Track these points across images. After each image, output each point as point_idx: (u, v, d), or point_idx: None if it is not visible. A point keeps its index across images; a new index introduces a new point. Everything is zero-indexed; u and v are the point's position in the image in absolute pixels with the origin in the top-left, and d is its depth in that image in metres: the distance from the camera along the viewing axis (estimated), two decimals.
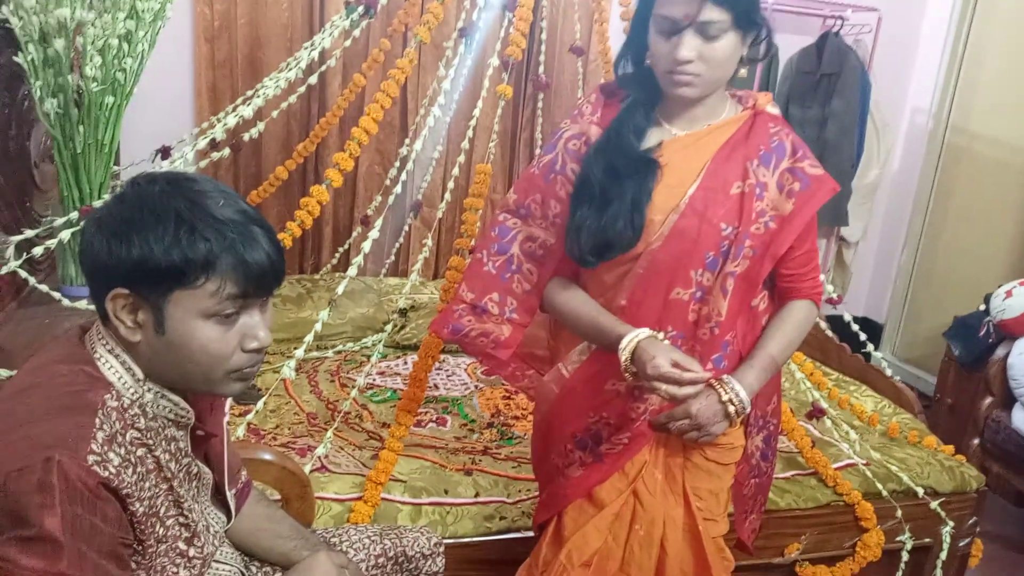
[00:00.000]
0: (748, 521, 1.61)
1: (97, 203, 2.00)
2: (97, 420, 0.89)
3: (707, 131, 1.35)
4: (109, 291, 0.93)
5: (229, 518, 1.19)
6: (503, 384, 2.77)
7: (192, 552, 1.02)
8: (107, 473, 0.87)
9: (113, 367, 0.96)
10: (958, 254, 4.01)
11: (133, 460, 0.92)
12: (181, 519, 1.00)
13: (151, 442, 0.96)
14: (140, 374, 0.97)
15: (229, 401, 2.44)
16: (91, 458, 0.86)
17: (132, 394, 0.96)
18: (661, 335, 1.31)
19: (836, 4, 3.74)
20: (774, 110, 1.39)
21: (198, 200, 0.93)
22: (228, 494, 1.18)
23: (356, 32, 2.40)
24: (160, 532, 0.97)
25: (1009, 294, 2.93)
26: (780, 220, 1.33)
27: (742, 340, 1.41)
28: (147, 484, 0.94)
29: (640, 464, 1.43)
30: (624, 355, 1.29)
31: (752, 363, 1.37)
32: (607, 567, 1.43)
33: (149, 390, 0.97)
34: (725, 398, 1.32)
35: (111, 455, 0.88)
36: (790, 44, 3.87)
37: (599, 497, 1.44)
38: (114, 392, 0.94)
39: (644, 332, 1.29)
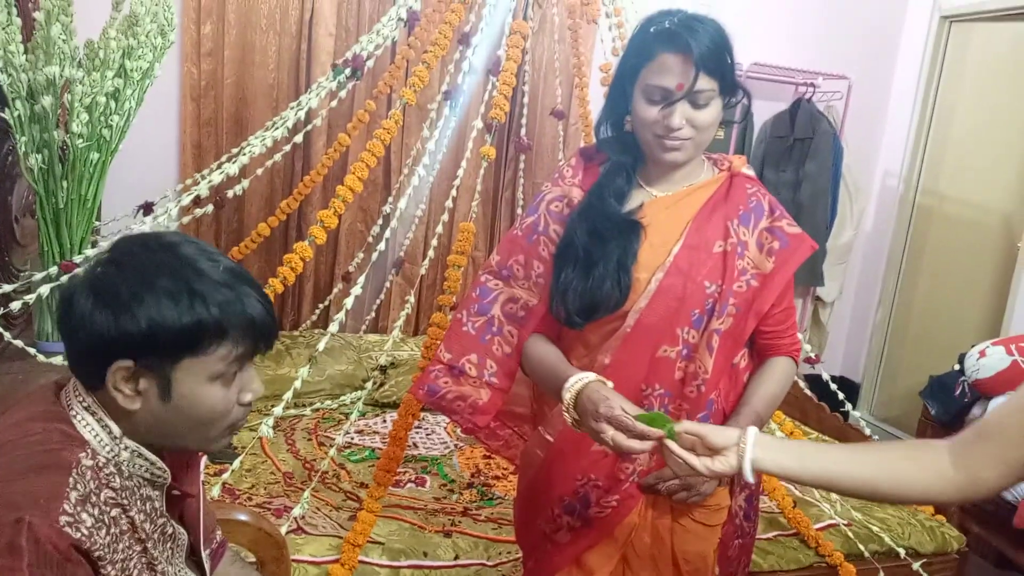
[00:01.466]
0: None
1: (79, 260, 1.99)
2: (71, 479, 0.87)
3: (687, 191, 1.38)
4: (110, 363, 0.90)
5: None
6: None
7: None
8: (79, 535, 0.84)
9: (89, 425, 0.94)
10: (932, 314, 4.08)
11: (107, 521, 0.89)
12: None
13: (126, 502, 0.93)
14: (117, 432, 0.94)
15: (204, 460, 2.40)
16: (63, 519, 0.83)
17: (108, 452, 0.93)
18: (611, 384, 1.27)
19: (808, 72, 3.87)
20: (749, 171, 1.43)
21: (194, 264, 0.92)
22: (203, 555, 1.15)
23: (342, 93, 2.44)
24: None
25: (983, 354, 2.98)
26: (762, 278, 1.35)
27: (725, 399, 1.41)
28: (120, 546, 0.91)
29: (629, 528, 1.40)
30: (568, 395, 1.25)
31: (738, 421, 1.37)
32: None
33: (125, 448, 0.95)
34: None
35: (84, 516, 0.86)
36: (764, 110, 3.99)
37: (588, 564, 1.40)
38: (89, 451, 0.91)
39: (592, 376, 1.27)
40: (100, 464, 0.91)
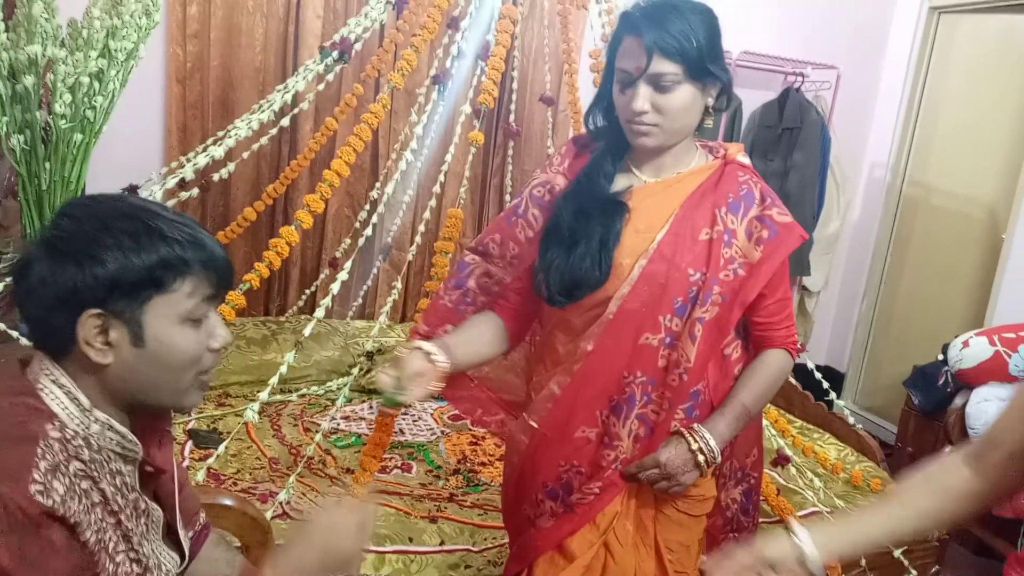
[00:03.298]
0: None
1: None
2: (39, 450, 0.86)
3: (677, 179, 1.38)
4: (79, 315, 0.90)
5: (182, 559, 1.15)
6: (470, 430, 2.75)
7: None
8: (51, 502, 0.84)
9: (57, 397, 0.93)
10: (916, 304, 4.11)
11: (78, 491, 0.88)
12: (132, 554, 0.97)
13: (96, 474, 0.92)
14: (86, 403, 0.94)
15: (189, 445, 2.39)
16: (33, 487, 0.83)
17: (77, 425, 0.93)
18: (442, 358, 1.31)
19: (797, 61, 3.87)
20: (744, 159, 1.42)
21: (146, 208, 0.95)
22: (182, 534, 1.13)
23: (329, 76, 2.42)
24: (110, 568, 0.93)
25: (966, 344, 3.00)
26: (749, 267, 1.35)
27: (714, 390, 1.41)
28: (93, 517, 0.90)
29: (612, 516, 1.40)
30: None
31: (723, 412, 1.37)
32: None
33: (95, 421, 0.94)
34: (695, 447, 1.32)
35: (55, 484, 0.85)
36: (753, 99, 3.99)
37: (570, 549, 1.41)
38: (57, 423, 0.91)
39: (426, 346, 1.32)
40: (68, 436, 0.91)
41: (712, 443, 1.33)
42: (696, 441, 1.33)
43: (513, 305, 1.45)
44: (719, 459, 1.35)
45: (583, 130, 1.48)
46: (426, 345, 1.32)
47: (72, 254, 0.90)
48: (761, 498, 2.28)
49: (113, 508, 0.94)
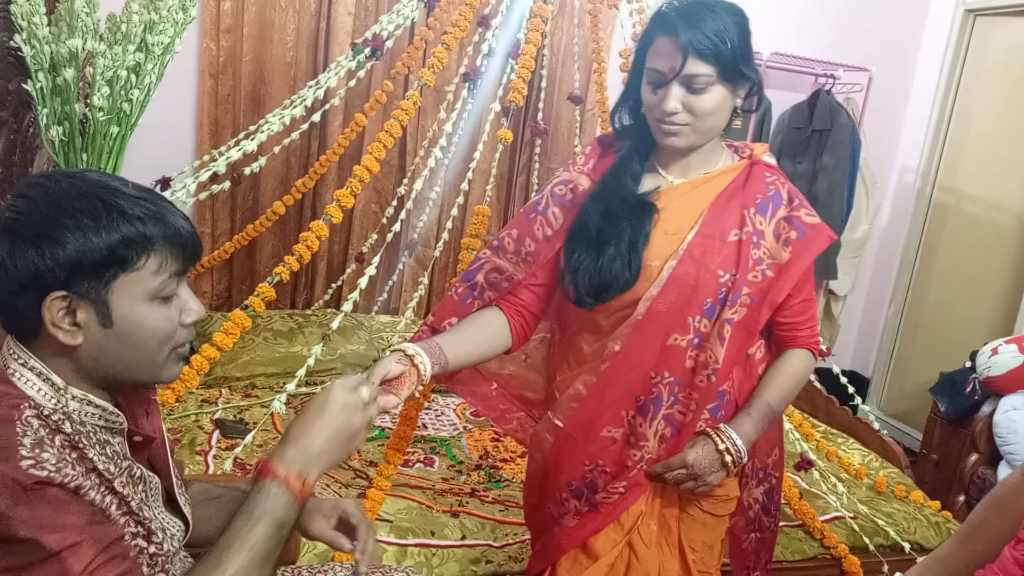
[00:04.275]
0: None
1: None
2: (18, 429, 0.85)
3: (704, 179, 1.37)
4: (44, 299, 0.88)
5: (187, 526, 1.12)
6: (492, 426, 2.76)
7: (152, 548, 0.97)
8: (45, 473, 0.84)
9: (29, 381, 0.92)
10: (944, 310, 4.06)
11: (69, 460, 0.87)
12: (134, 517, 0.95)
13: (82, 445, 0.91)
14: (60, 383, 0.92)
15: (216, 434, 2.43)
16: (25, 463, 0.82)
17: (53, 404, 0.91)
18: (427, 364, 1.27)
19: (828, 63, 3.84)
20: (770, 160, 1.41)
21: (106, 184, 0.92)
22: (181, 501, 1.11)
23: (361, 73, 2.44)
24: (117, 526, 0.93)
25: (995, 351, 2.96)
26: (777, 268, 1.34)
27: (738, 390, 1.41)
28: (88, 483, 0.89)
29: (636, 515, 1.40)
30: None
31: (749, 412, 1.37)
32: None
33: (73, 398, 0.93)
34: (722, 447, 1.33)
35: (44, 456, 0.85)
36: (782, 100, 3.96)
37: (594, 548, 1.41)
38: (31, 402, 0.89)
39: (409, 349, 1.27)
40: (45, 413, 0.89)
41: (739, 443, 1.33)
42: (723, 441, 1.33)
43: (523, 303, 1.43)
44: (746, 459, 1.36)
45: (610, 129, 1.47)
46: (410, 347, 1.28)
47: (30, 237, 0.87)
48: (783, 501, 2.29)
49: (106, 476, 0.93)
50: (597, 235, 1.34)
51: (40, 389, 0.92)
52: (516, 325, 1.43)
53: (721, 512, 1.44)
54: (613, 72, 2.74)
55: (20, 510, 0.81)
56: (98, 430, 0.96)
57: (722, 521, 1.46)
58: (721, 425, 1.35)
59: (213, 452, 2.28)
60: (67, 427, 0.90)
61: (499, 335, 1.42)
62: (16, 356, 0.93)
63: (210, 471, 2.15)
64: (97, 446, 0.94)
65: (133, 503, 0.96)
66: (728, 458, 1.33)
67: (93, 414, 0.95)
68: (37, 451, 0.84)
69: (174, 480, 1.10)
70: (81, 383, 0.94)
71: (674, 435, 1.36)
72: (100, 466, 0.92)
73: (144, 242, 0.90)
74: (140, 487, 1.00)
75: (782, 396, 1.40)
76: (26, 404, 0.88)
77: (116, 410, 0.97)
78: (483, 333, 1.41)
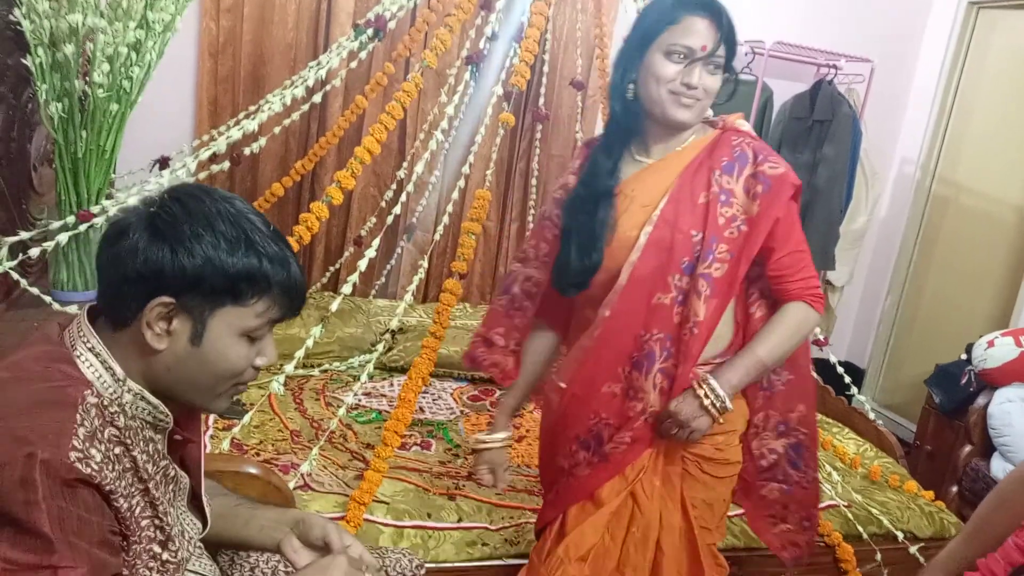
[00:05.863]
0: (779, 531, 1.63)
1: (96, 210, 2.00)
2: (78, 416, 0.87)
3: (675, 155, 1.48)
4: (153, 297, 0.92)
5: (205, 525, 1.17)
6: (488, 411, 2.77)
7: (166, 556, 0.99)
8: (89, 470, 0.85)
9: (92, 366, 0.94)
10: (941, 303, 4.07)
11: (112, 457, 0.90)
12: (156, 521, 0.98)
13: (129, 442, 0.94)
14: (120, 374, 0.95)
15: (213, 415, 2.43)
16: (73, 455, 0.84)
17: (111, 394, 0.94)
18: (507, 434, 1.68)
19: (830, 53, 3.82)
20: (743, 125, 1.50)
21: (249, 218, 0.96)
22: (205, 500, 1.15)
23: (362, 55, 2.42)
24: (137, 533, 0.95)
25: (991, 344, 2.97)
26: (750, 222, 1.43)
27: (742, 347, 1.49)
28: (124, 483, 0.92)
29: (639, 469, 1.50)
30: (477, 444, 1.67)
31: (734, 362, 1.45)
32: (604, 565, 1.50)
33: (129, 391, 0.96)
34: (700, 393, 1.41)
35: (92, 451, 0.87)
36: (784, 90, 3.95)
37: (599, 496, 1.51)
38: (94, 390, 0.92)
39: (502, 438, 1.66)
40: (105, 403, 0.92)
41: (719, 391, 1.41)
42: (702, 388, 1.41)
43: (554, 304, 1.59)
44: (729, 406, 1.42)
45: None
46: (498, 436, 1.66)
47: (170, 239, 0.91)
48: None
49: (143, 476, 0.96)
50: (565, 232, 1.51)
51: (101, 376, 0.94)
52: (559, 328, 1.65)
53: (721, 474, 1.53)
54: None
55: (52, 504, 0.83)
56: (145, 426, 0.99)
57: (723, 483, 1.54)
58: (701, 374, 1.43)
59: (210, 432, 2.29)
60: (120, 421, 0.94)
61: (552, 347, 1.67)
62: (85, 339, 0.95)
63: (207, 451, 2.15)
64: (141, 443, 0.97)
65: (160, 507, 0.99)
66: (707, 402, 1.40)
67: (144, 409, 0.98)
68: (87, 444, 0.87)
69: (202, 480, 1.14)
70: (140, 382, 0.97)
71: (670, 387, 1.45)
72: (141, 466, 0.95)
73: (263, 282, 0.94)
74: (171, 487, 1.05)
75: (773, 346, 1.46)
76: (90, 391, 0.91)
77: (166, 409, 1.00)
78: (542, 356, 1.67)
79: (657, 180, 1.46)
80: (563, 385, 1.55)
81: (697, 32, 1.37)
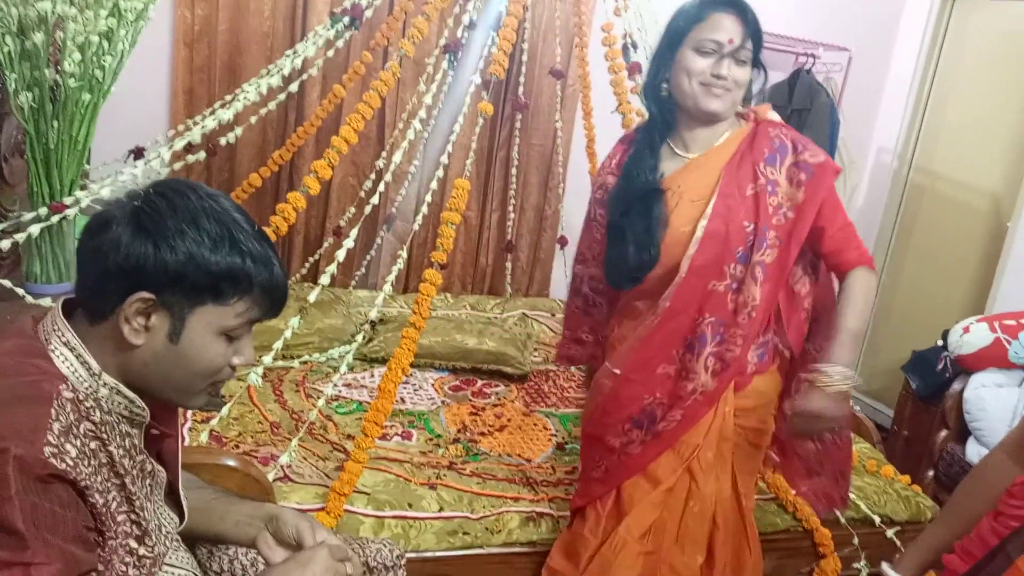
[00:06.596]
0: (814, 482, 1.73)
1: (69, 201, 1.97)
2: (53, 411, 0.86)
3: (714, 150, 1.58)
4: (132, 292, 0.91)
5: (182, 519, 1.16)
6: (470, 400, 2.77)
7: (142, 551, 0.99)
8: (64, 465, 0.85)
9: (67, 360, 0.93)
10: (918, 290, 4.11)
11: (87, 453, 0.89)
12: (133, 516, 0.98)
13: (105, 436, 0.93)
14: (96, 368, 0.94)
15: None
16: (47, 450, 0.83)
17: (87, 388, 0.93)
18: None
19: (808, 42, 3.84)
20: (774, 116, 1.59)
21: (234, 217, 0.95)
22: (182, 494, 1.14)
23: (339, 43, 2.40)
24: (112, 528, 0.94)
25: (967, 330, 3.01)
26: (797, 209, 1.53)
27: (787, 322, 1.58)
28: (100, 478, 0.91)
29: (693, 447, 1.59)
30: None
31: (838, 343, 1.53)
32: (663, 540, 1.58)
33: (104, 385, 0.95)
34: (822, 384, 1.49)
35: (67, 447, 0.86)
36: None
37: (655, 474, 1.61)
38: (69, 384, 0.91)
39: None
40: (80, 397, 0.91)
41: (840, 370, 1.49)
42: (822, 380, 1.49)
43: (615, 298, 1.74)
44: (854, 379, 1.51)
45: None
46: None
47: (154, 234, 0.90)
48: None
49: (119, 471, 0.95)
50: (617, 228, 1.58)
51: (76, 371, 0.93)
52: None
53: (762, 443, 1.67)
54: (595, 47, 2.72)
55: (26, 500, 0.82)
56: (121, 421, 0.98)
57: (761, 451, 1.68)
58: (819, 366, 1.52)
59: (188, 424, 2.27)
60: (96, 415, 0.92)
61: None
62: (60, 334, 0.94)
63: (185, 443, 2.13)
64: (118, 438, 0.96)
65: (136, 502, 0.98)
66: (831, 389, 1.49)
67: (120, 404, 0.97)
68: (62, 440, 0.86)
69: (179, 474, 1.13)
70: (115, 376, 0.96)
71: (723, 369, 1.56)
72: (117, 460, 0.94)
73: (245, 281, 0.94)
74: (148, 481, 1.04)
75: (857, 316, 1.55)
76: (65, 386, 0.90)
77: (143, 404, 1.00)
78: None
79: (702, 175, 1.55)
80: (617, 372, 1.64)
81: (724, 27, 1.48)
